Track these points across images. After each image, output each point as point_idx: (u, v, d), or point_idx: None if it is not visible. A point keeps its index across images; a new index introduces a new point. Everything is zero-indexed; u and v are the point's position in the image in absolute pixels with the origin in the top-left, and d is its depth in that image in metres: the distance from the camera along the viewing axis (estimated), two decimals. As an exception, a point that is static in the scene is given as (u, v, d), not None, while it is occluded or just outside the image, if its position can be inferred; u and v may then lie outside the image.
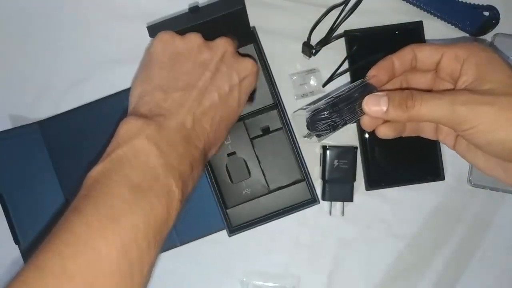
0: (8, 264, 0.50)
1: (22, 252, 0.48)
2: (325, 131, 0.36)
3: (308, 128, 0.36)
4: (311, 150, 0.50)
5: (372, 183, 0.49)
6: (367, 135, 0.49)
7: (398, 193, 0.50)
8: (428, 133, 0.40)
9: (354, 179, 0.48)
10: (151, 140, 0.33)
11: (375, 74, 0.37)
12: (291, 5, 0.50)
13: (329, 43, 0.48)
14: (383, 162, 0.49)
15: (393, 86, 0.39)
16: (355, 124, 0.49)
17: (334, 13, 0.47)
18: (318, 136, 0.37)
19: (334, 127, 0.36)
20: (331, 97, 0.37)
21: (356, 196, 0.49)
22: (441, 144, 0.49)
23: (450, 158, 0.50)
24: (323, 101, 0.37)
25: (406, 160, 0.49)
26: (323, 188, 0.49)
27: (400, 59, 0.37)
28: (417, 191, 0.50)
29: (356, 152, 0.48)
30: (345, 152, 0.48)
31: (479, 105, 0.31)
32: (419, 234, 0.50)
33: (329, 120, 0.36)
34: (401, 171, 0.49)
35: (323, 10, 0.48)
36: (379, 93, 0.35)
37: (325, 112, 0.36)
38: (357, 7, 0.46)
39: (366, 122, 0.37)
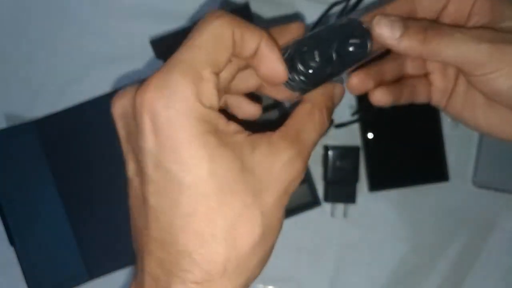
0: (3, 266, 0.49)
1: (18, 253, 0.47)
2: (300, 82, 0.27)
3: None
4: (313, 151, 0.49)
5: (375, 184, 0.49)
6: (370, 135, 0.48)
7: (401, 194, 0.49)
8: (422, 96, 0.34)
9: (356, 180, 0.48)
10: None
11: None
12: (292, 1, 0.50)
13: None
14: (386, 162, 0.49)
15: None
16: (357, 124, 0.49)
17: (336, 10, 0.47)
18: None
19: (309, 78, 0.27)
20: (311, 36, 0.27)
21: (358, 198, 0.49)
22: (445, 144, 0.49)
23: (454, 158, 0.49)
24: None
25: (410, 161, 0.49)
26: (325, 189, 0.49)
27: (395, 12, 0.30)
28: (420, 192, 0.49)
29: (358, 153, 0.48)
30: (348, 153, 0.48)
31: (508, 44, 0.27)
32: (423, 236, 0.50)
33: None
34: (405, 172, 0.49)
35: (325, 6, 0.47)
36: (393, 17, 0.28)
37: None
38: (359, 3, 0.46)
39: (354, 82, 0.30)
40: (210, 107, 0.22)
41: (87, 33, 0.50)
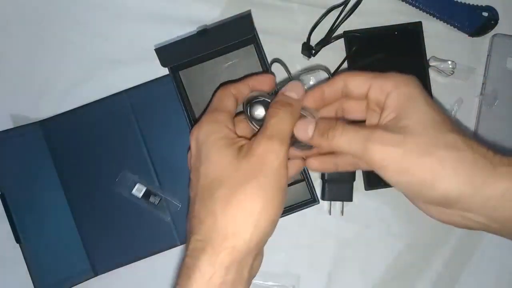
0: (9, 263, 0.50)
1: (23, 251, 0.48)
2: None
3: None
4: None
5: (372, 183, 0.49)
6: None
7: (397, 192, 0.48)
8: (364, 166, 0.40)
9: (353, 179, 0.49)
10: None
11: (303, 104, 0.38)
12: (291, 5, 0.50)
13: (328, 43, 0.49)
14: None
15: (328, 113, 0.39)
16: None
17: (334, 14, 0.47)
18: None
19: None
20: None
21: (355, 196, 0.49)
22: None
23: (449, 158, 0.50)
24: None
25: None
26: (322, 188, 0.50)
27: (330, 88, 0.37)
28: (416, 191, 0.50)
29: (355, 152, 0.48)
30: (345, 152, 0.48)
31: (388, 146, 0.31)
32: (418, 234, 0.50)
33: None
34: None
35: (323, 11, 0.48)
36: (310, 119, 0.36)
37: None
38: (356, 7, 0.46)
39: (294, 152, 0.38)
40: (226, 126, 0.36)
41: (93, 36, 0.51)
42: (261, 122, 0.38)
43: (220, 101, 0.39)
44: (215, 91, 0.40)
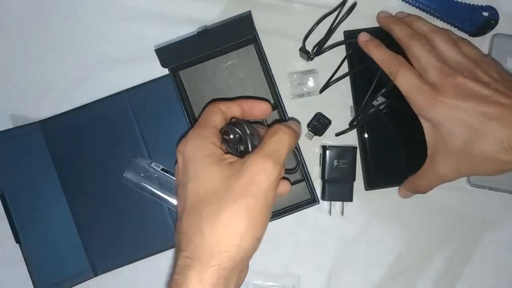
0: (9, 264, 0.50)
1: (23, 251, 0.48)
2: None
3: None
4: (311, 150, 0.50)
5: (372, 183, 0.50)
6: (366, 135, 0.49)
7: (397, 192, 0.50)
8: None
9: (353, 179, 0.49)
10: None
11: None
12: (291, 5, 0.50)
13: (324, 52, 0.48)
14: (383, 162, 0.49)
15: None
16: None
17: (333, 14, 0.47)
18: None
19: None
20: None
21: (355, 196, 0.49)
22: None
23: (449, 158, 0.50)
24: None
25: (405, 160, 0.49)
26: (322, 188, 0.50)
27: None
28: (416, 190, 0.50)
29: (355, 152, 0.49)
30: (345, 152, 0.48)
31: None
32: (419, 234, 0.51)
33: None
34: (401, 171, 0.49)
35: (324, 10, 0.48)
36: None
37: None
38: (350, 12, 0.46)
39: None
40: (213, 143, 0.37)
41: (92, 36, 0.51)
42: (230, 147, 0.39)
43: (206, 117, 0.40)
44: (205, 106, 0.40)
